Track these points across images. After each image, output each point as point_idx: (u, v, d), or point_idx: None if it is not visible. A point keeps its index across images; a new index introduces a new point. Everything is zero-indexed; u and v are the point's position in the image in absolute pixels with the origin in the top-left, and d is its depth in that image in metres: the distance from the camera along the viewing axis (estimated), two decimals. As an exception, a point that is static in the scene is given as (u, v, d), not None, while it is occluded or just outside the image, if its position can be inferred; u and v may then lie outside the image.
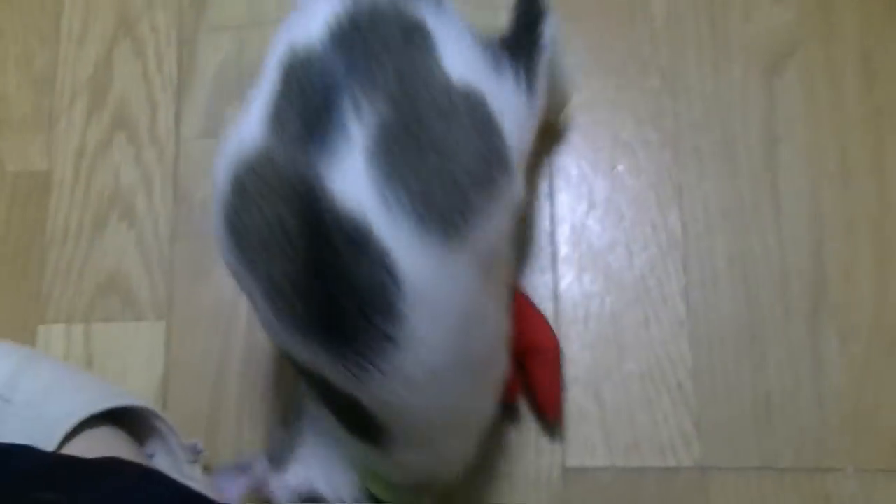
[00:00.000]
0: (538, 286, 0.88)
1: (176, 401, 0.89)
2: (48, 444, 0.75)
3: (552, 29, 0.72)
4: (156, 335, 0.91)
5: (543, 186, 0.91)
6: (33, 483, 0.60)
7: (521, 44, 0.69)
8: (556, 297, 0.88)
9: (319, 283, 0.57)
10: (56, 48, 0.99)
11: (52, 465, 0.71)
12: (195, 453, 0.83)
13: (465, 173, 0.58)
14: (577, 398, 0.85)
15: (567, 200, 0.90)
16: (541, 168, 0.91)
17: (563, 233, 0.89)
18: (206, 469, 0.85)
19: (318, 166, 0.56)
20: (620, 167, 0.91)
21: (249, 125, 0.59)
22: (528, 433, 0.85)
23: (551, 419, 0.84)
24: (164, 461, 0.82)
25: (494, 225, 0.61)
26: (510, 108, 0.65)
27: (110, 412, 0.79)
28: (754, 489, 0.83)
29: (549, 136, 0.91)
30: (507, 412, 0.84)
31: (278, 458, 0.74)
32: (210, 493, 0.75)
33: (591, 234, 0.89)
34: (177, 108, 0.96)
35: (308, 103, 0.58)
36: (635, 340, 0.86)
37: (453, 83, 0.60)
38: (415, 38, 0.61)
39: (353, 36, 0.59)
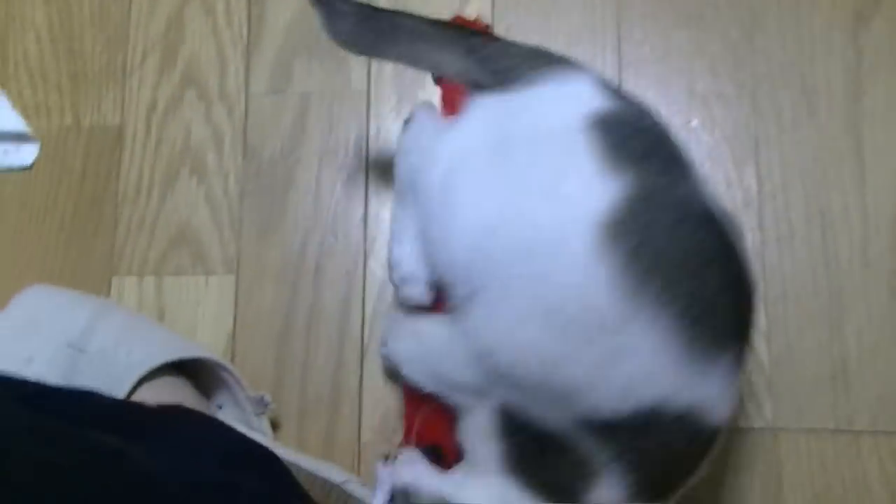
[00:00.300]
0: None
1: (243, 354, 0.90)
2: (118, 391, 0.77)
3: None
4: (225, 289, 0.92)
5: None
6: (98, 427, 0.61)
7: None
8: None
9: (732, 288, 0.63)
10: (129, 4, 0.99)
11: (119, 410, 0.73)
12: (262, 406, 0.84)
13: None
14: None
15: (638, 156, 0.88)
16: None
17: (634, 189, 0.87)
18: (274, 422, 0.86)
19: (698, 189, 0.64)
20: (695, 121, 0.88)
21: (589, 185, 0.62)
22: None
23: None
24: (232, 413, 0.84)
25: None
26: None
27: (179, 363, 0.81)
28: (828, 451, 0.81)
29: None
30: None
31: None
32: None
33: (662, 190, 0.87)
34: (246, 65, 0.96)
35: (648, 144, 0.65)
36: (707, 299, 0.84)
37: None
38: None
39: (620, 95, 0.68)
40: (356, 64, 0.94)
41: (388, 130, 0.93)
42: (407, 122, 0.80)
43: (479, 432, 0.69)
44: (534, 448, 0.66)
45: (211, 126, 0.95)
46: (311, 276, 0.91)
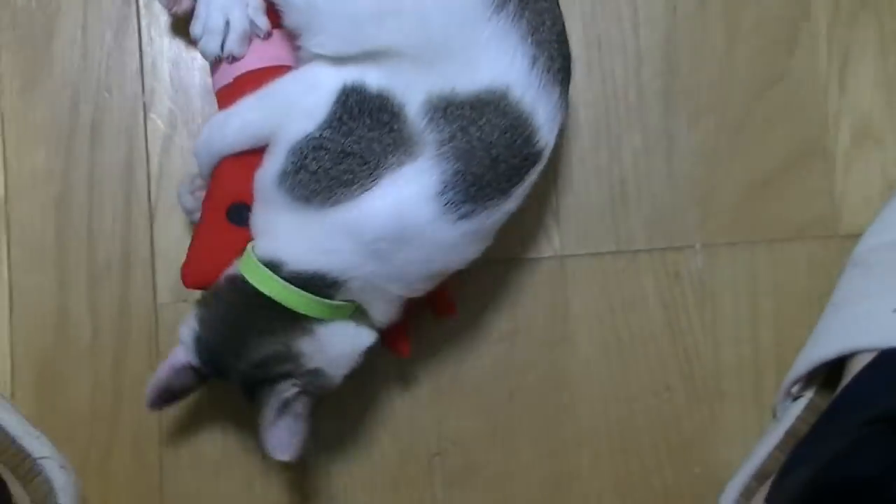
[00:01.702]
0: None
1: (20, 221, 0.86)
2: None
3: None
4: (-10, 154, 0.86)
5: None
6: None
7: None
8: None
9: (560, 43, 0.75)
10: None
11: None
12: None
13: None
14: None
15: None
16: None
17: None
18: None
19: None
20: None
21: None
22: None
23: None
24: None
25: None
26: None
27: None
28: (609, 272, 0.87)
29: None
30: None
31: None
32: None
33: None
34: None
35: None
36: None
37: None
38: None
39: None
40: None
41: (158, -29, 0.87)
42: None
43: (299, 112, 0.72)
44: (356, 126, 0.70)
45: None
46: (87, 134, 0.86)
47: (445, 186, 0.69)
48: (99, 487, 0.85)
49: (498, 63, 0.71)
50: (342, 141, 0.70)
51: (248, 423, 0.83)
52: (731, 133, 0.88)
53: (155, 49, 0.87)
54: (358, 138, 0.70)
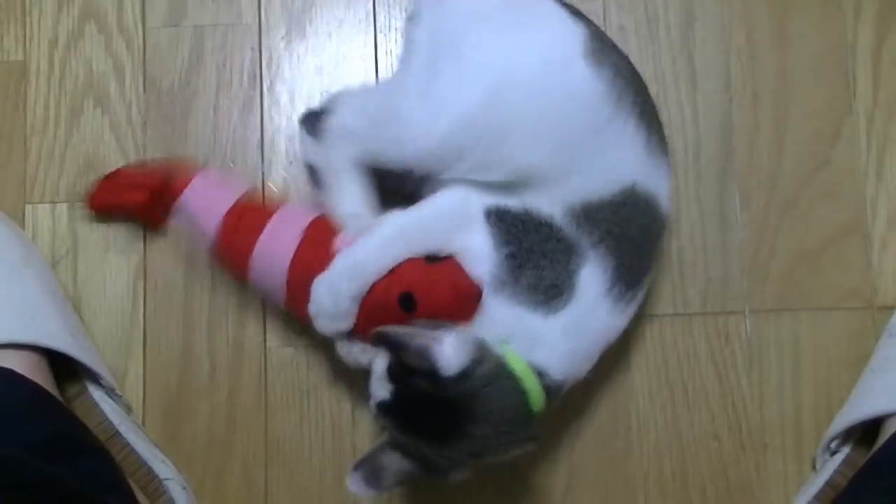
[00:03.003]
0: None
1: (155, 274, 0.96)
2: None
3: None
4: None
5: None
6: None
7: None
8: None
9: (658, 115, 0.83)
10: (23, -59, 1.01)
11: None
12: (116, 396, 0.92)
13: None
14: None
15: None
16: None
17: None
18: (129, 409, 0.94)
19: None
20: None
21: (565, 25, 0.80)
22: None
23: None
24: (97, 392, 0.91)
25: None
26: None
27: None
28: (667, 332, 0.94)
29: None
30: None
31: None
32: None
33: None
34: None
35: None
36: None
37: None
38: None
39: None
40: (245, -4, 0.99)
41: (279, 59, 0.98)
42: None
43: (474, 252, 0.75)
44: (527, 239, 0.74)
45: (112, 59, 0.99)
46: (212, 193, 0.96)
47: (612, 283, 0.75)
48: (213, 505, 0.94)
49: (622, 162, 0.76)
50: (526, 257, 0.74)
51: (342, 456, 0.93)
52: (779, 212, 0.95)
53: (274, 126, 0.97)
54: (537, 249, 0.74)
